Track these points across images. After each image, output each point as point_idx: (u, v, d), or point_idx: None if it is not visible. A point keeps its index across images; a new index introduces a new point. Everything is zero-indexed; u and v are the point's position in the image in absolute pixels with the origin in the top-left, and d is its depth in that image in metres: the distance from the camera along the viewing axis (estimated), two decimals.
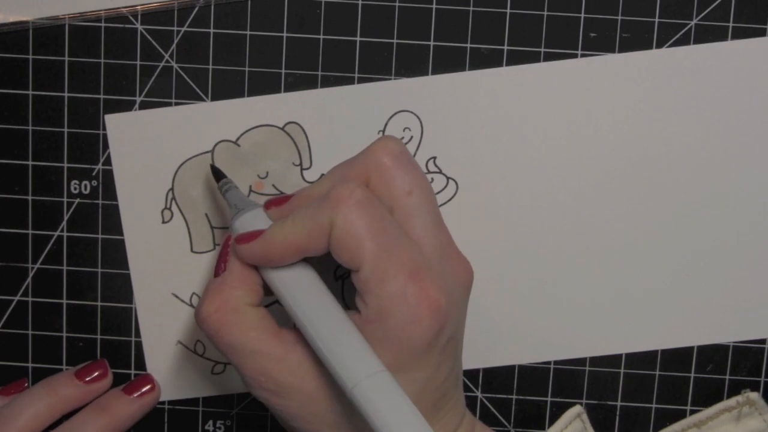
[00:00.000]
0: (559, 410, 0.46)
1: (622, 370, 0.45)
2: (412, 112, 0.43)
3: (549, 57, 0.43)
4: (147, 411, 0.45)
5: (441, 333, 0.36)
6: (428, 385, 0.37)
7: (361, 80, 0.43)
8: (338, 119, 0.44)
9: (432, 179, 0.44)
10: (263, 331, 0.37)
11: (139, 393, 0.45)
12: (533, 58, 0.43)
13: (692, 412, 0.46)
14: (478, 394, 0.46)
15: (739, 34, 0.43)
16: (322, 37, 0.43)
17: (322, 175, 0.44)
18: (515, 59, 0.43)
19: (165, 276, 0.45)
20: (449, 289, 0.36)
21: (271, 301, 0.39)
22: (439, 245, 0.37)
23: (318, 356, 0.36)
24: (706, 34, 0.43)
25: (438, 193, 0.44)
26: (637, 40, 0.43)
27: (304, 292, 0.37)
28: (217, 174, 0.42)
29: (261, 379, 0.37)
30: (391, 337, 0.35)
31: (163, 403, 0.46)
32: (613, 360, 0.45)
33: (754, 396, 0.44)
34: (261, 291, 0.38)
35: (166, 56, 0.44)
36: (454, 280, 0.38)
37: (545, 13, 0.43)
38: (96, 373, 0.45)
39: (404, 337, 0.35)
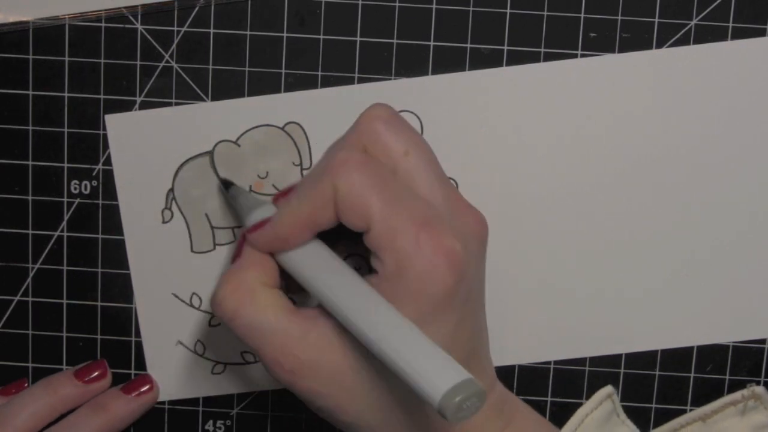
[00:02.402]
0: (559, 410, 0.46)
1: (622, 370, 0.45)
2: (412, 112, 0.43)
3: (549, 57, 0.43)
4: (144, 410, 0.45)
5: (461, 282, 0.35)
6: (453, 340, 0.36)
7: (361, 80, 0.43)
8: (338, 119, 0.43)
9: None
10: (280, 309, 0.37)
11: (138, 393, 0.45)
12: (533, 58, 0.43)
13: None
14: None
15: (739, 34, 0.43)
16: (322, 37, 0.43)
17: None
18: (515, 59, 0.43)
19: (165, 276, 0.45)
20: (464, 239, 0.36)
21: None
22: (446, 200, 0.37)
23: (344, 326, 0.35)
24: (706, 34, 0.43)
25: None
26: (637, 40, 0.43)
27: (320, 266, 0.37)
28: (226, 184, 0.43)
29: (281, 359, 0.37)
30: (410, 290, 0.35)
31: (163, 403, 0.46)
32: (613, 360, 0.45)
33: (760, 390, 0.44)
34: (277, 275, 0.38)
35: (166, 56, 0.44)
36: (467, 231, 0.37)
37: (545, 13, 0.43)
38: (95, 373, 0.45)
39: (423, 288, 0.35)
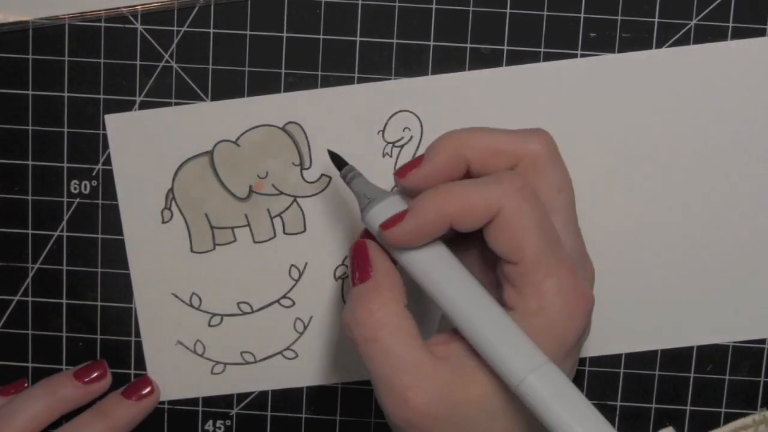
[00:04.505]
0: None
1: (622, 370, 0.45)
2: (412, 112, 0.43)
3: (549, 57, 0.43)
4: (147, 414, 0.45)
5: (588, 328, 0.36)
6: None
7: (361, 80, 0.43)
8: (338, 119, 0.44)
9: None
10: (417, 338, 0.35)
11: (138, 396, 0.45)
12: (533, 58, 0.43)
13: (692, 412, 0.46)
14: None
15: (739, 34, 0.43)
16: (322, 37, 0.43)
17: (322, 175, 0.44)
18: (515, 59, 0.43)
19: (165, 276, 0.45)
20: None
21: None
22: (577, 244, 0.37)
23: (475, 348, 0.34)
24: (706, 34, 0.43)
25: None
26: (637, 40, 0.43)
27: (452, 278, 0.35)
28: (338, 161, 0.39)
29: (410, 393, 0.34)
30: (548, 332, 0.34)
31: (163, 403, 0.46)
32: (613, 360, 0.45)
33: None
34: (405, 293, 0.36)
35: (166, 56, 0.44)
36: (589, 278, 0.38)
37: (545, 13, 0.43)
38: (95, 374, 0.45)
39: (562, 332, 0.35)
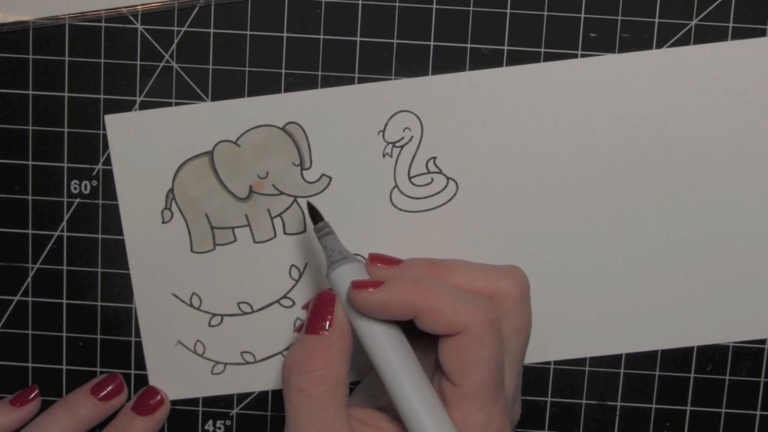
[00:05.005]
0: (559, 410, 0.46)
1: (622, 370, 0.45)
2: (412, 112, 0.44)
3: (549, 57, 0.43)
4: (161, 425, 0.45)
5: None
6: None
7: (361, 80, 0.43)
8: (338, 119, 0.44)
9: (432, 179, 0.44)
10: (344, 407, 0.35)
11: (150, 408, 0.45)
12: (533, 58, 0.43)
13: (692, 412, 0.46)
14: None
15: (739, 34, 0.43)
16: (322, 37, 0.43)
17: (322, 175, 0.44)
18: (515, 59, 0.43)
19: (165, 276, 0.45)
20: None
21: None
22: (514, 386, 0.38)
23: (405, 422, 0.35)
24: (706, 34, 0.43)
25: (438, 193, 0.44)
26: (637, 40, 0.43)
27: (401, 358, 0.36)
28: (315, 216, 0.40)
29: None
30: None
31: None
32: (613, 360, 0.45)
33: None
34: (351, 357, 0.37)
35: (166, 56, 0.44)
36: (514, 420, 0.39)
37: (545, 13, 0.43)
38: (110, 387, 0.45)
39: None
